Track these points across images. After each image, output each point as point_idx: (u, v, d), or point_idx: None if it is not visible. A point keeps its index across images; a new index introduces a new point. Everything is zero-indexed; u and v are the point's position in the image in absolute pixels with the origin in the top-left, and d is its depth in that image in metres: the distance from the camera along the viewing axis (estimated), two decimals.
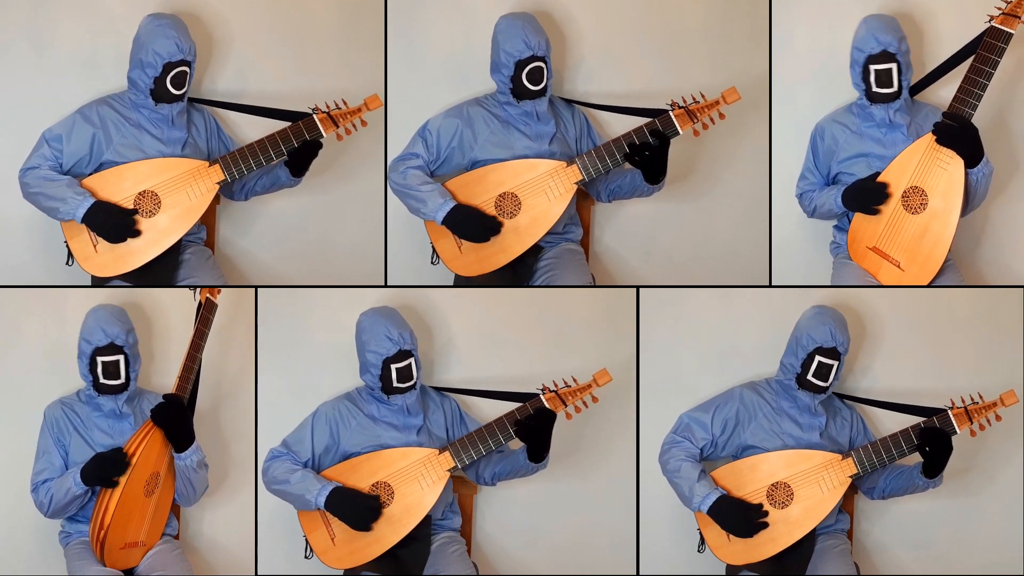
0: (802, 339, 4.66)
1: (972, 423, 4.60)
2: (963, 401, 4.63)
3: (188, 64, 4.65)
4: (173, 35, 4.63)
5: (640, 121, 4.75)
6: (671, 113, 4.73)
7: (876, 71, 4.67)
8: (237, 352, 4.84)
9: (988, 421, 4.61)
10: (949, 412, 4.61)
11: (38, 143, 4.70)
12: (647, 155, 4.72)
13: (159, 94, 4.66)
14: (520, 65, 4.72)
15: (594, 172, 4.75)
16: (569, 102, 4.89)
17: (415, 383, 4.66)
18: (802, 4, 4.91)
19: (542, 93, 4.76)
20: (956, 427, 4.60)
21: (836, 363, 4.64)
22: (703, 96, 4.74)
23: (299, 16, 4.93)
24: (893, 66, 4.66)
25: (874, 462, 4.62)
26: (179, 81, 4.66)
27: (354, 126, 4.79)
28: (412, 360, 4.64)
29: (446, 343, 4.86)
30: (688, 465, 4.67)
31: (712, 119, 4.74)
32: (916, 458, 4.64)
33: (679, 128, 4.73)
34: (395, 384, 4.64)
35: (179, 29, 4.66)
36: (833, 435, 4.71)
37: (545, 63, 4.73)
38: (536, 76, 4.73)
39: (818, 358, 4.64)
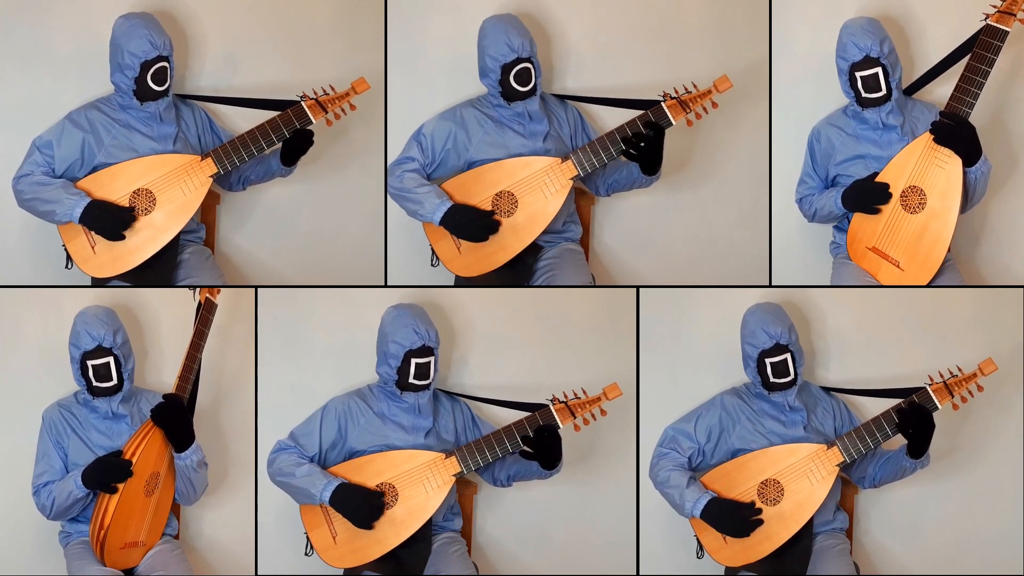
0: (746, 350, 4.67)
1: (953, 396, 4.58)
2: (941, 376, 4.61)
3: (166, 59, 4.64)
4: (145, 33, 4.61)
5: (634, 114, 4.75)
6: (663, 104, 4.72)
7: (862, 78, 4.66)
8: (237, 352, 4.84)
9: (969, 393, 4.59)
10: (928, 388, 4.59)
11: (29, 151, 4.71)
12: (642, 147, 4.71)
13: (142, 93, 4.66)
14: (506, 68, 4.70)
15: (589, 167, 4.74)
16: (561, 98, 4.89)
17: (430, 383, 4.65)
18: (802, 3, 4.91)
19: (532, 93, 4.74)
20: (937, 403, 4.58)
21: (787, 355, 4.63)
22: (695, 86, 4.73)
23: (300, 15, 4.93)
24: (878, 70, 4.65)
25: (859, 448, 4.61)
26: (160, 77, 4.65)
27: (343, 111, 4.77)
28: (433, 359, 4.63)
29: (445, 343, 4.85)
30: (677, 474, 4.66)
31: (705, 108, 4.72)
32: (902, 441, 4.62)
33: (672, 119, 4.71)
34: (411, 380, 4.63)
35: (151, 27, 4.64)
36: (817, 426, 4.70)
37: (532, 63, 4.72)
38: (523, 77, 4.72)
39: (768, 361, 4.64)
